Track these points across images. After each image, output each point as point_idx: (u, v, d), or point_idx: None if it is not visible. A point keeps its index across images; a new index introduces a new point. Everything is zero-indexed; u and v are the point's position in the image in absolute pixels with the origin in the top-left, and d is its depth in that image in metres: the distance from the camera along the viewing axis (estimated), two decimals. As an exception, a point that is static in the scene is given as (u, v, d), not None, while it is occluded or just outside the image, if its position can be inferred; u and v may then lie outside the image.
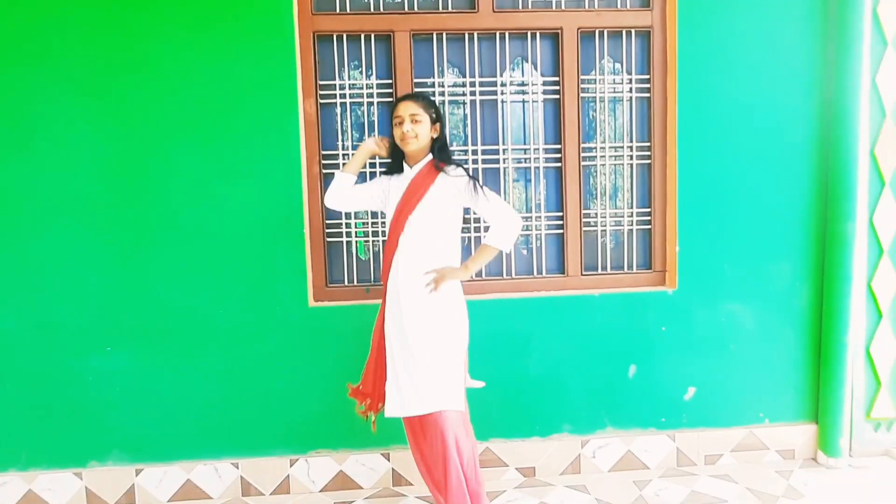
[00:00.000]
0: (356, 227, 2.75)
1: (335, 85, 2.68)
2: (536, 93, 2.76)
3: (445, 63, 2.72)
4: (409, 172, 2.22)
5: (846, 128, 2.62)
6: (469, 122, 2.75)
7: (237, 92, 2.50)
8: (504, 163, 2.77)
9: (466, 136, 2.76)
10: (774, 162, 2.71)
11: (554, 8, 2.71)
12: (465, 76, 2.73)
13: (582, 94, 2.75)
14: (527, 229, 2.81)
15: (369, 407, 2.35)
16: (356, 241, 2.76)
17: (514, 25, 2.69)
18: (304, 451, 2.67)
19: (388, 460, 2.69)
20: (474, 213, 2.65)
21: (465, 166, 2.36)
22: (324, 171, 2.68)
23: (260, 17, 2.49)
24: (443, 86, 2.72)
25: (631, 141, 2.82)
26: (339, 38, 2.67)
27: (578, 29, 2.70)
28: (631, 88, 2.79)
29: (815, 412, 2.84)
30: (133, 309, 2.54)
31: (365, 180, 2.57)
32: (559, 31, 2.70)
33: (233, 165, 2.52)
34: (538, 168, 2.79)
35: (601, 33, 2.75)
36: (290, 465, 2.65)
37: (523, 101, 2.78)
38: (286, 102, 2.53)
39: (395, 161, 2.31)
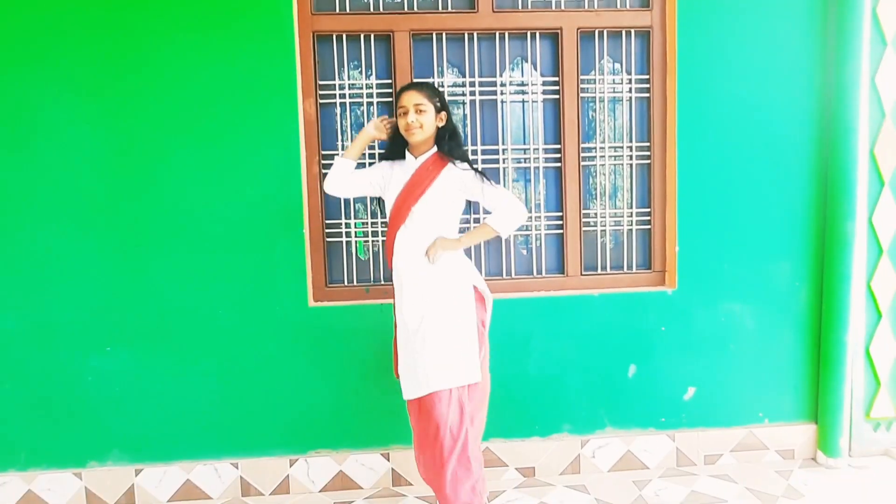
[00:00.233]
0: (356, 227, 2.75)
1: (335, 85, 2.68)
2: (536, 93, 2.76)
3: (445, 63, 2.72)
4: (414, 162, 2.21)
5: (846, 128, 2.62)
6: (469, 122, 2.75)
7: (237, 92, 2.50)
8: (504, 163, 2.77)
9: (466, 136, 2.75)
10: (774, 162, 2.72)
11: (553, 8, 2.72)
12: (464, 76, 2.73)
13: (581, 94, 2.76)
14: (526, 229, 2.81)
15: None
16: (356, 241, 2.76)
17: (513, 25, 2.69)
18: (304, 451, 2.67)
19: (388, 460, 2.69)
20: (482, 207, 2.62)
21: (473, 159, 2.35)
22: (323, 170, 2.68)
23: (259, 18, 2.49)
24: (442, 86, 2.71)
25: (631, 141, 2.82)
26: (339, 38, 2.67)
27: (578, 29, 2.70)
28: (630, 88, 2.80)
29: (815, 412, 2.84)
30: (133, 309, 2.54)
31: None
32: (559, 31, 2.70)
33: (232, 165, 2.52)
34: (538, 168, 2.79)
35: (601, 33, 2.75)
36: (290, 465, 2.65)
37: (523, 101, 2.78)
38: (286, 102, 2.53)
39: (397, 147, 2.28)
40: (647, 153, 2.82)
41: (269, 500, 2.62)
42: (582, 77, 2.75)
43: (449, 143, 2.20)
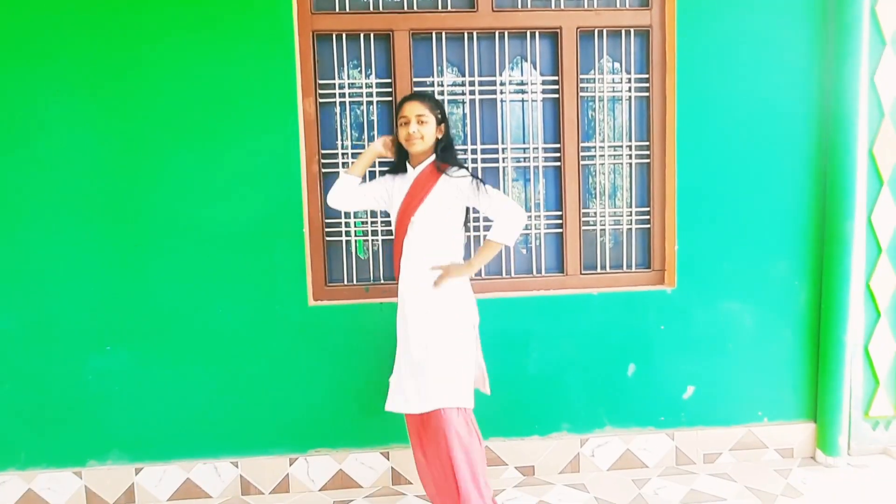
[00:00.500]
0: (355, 227, 2.75)
1: (334, 84, 2.68)
2: (536, 92, 2.77)
3: (445, 62, 2.72)
4: (412, 173, 2.22)
5: (845, 127, 2.62)
6: (468, 121, 2.75)
7: (236, 91, 2.50)
8: (503, 162, 2.78)
9: (466, 136, 2.76)
10: (773, 161, 2.72)
11: (553, 7, 2.72)
12: (464, 75, 2.73)
13: (581, 94, 2.76)
14: (526, 228, 2.81)
15: None
16: (355, 241, 2.77)
17: (513, 25, 2.69)
18: (304, 450, 2.67)
19: (388, 459, 2.69)
20: (481, 213, 2.64)
21: (466, 166, 2.36)
22: (323, 170, 2.68)
23: (259, 17, 2.49)
24: (442, 85, 2.72)
25: (630, 140, 2.82)
26: (339, 38, 2.67)
27: (577, 28, 2.70)
28: (630, 88, 2.80)
29: (814, 411, 2.85)
30: (133, 308, 2.54)
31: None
32: (558, 31, 2.70)
33: (232, 165, 2.53)
34: (537, 167, 2.80)
35: (600, 33, 2.75)
36: (290, 464, 2.66)
37: (522, 101, 2.78)
38: (285, 102, 2.53)
39: (399, 161, 2.30)
40: (647, 152, 2.82)
41: (269, 498, 2.63)
42: (581, 76, 2.75)
43: (443, 154, 2.21)
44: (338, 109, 2.70)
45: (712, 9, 2.64)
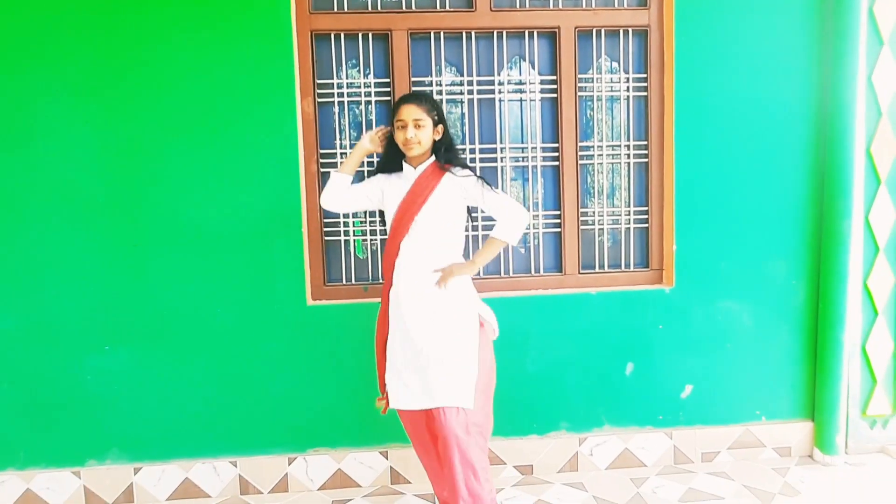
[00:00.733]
0: (354, 226, 2.75)
1: (333, 84, 2.68)
2: (534, 91, 2.77)
3: (443, 62, 2.72)
4: (412, 173, 2.21)
5: (842, 126, 2.63)
6: (467, 120, 2.76)
7: (235, 91, 2.50)
8: (502, 161, 2.78)
9: (464, 135, 2.76)
10: (771, 160, 2.72)
11: (551, 7, 2.72)
12: (462, 75, 2.73)
13: (579, 93, 2.76)
14: (525, 228, 2.80)
15: (387, 404, 2.31)
16: (354, 240, 2.77)
17: (511, 24, 2.69)
18: (303, 450, 2.67)
19: (387, 458, 2.69)
20: (481, 212, 2.63)
21: (470, 165, 2.36)
22: (322, 169, 2.69)
23: (258, 17, 2.49)
24: (440, 84, 2.72)
25: (628, 140, 2.82)
26: (337, 37, 2.67)
27: (576, 28, 2.71)
28: (628, 87, 2.80)
29: (812, 410, 2.85)
30: (131, 308, 2.54)
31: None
32: (556, 30, 2.70)
33: (231, 164, 2.53)
34: (536, 167, 2.80)
35: (598, 32, 2.75)
36: (289, 464, 2.66)
37: (521, 100, 2.78)
38: (284, 101, 2.53)
39: (392, 158, 2.28)
40: (645, 152, 2.82)
41: (268, 498, 2.63)
42: (580, 76, 2.76)
43: (446, 155, 2.20)
44: (336, 109, 2.70)
45: (710, 9, 2.64)
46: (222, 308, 2.57)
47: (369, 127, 2.71)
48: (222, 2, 2.47)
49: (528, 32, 2.73)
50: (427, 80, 2.71)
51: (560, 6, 2.72)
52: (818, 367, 2.80)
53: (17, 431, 2.56)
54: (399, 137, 2.17)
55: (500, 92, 2.76)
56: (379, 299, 2.54)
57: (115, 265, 2.52)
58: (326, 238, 2.73)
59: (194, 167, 2.51)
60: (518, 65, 2.77)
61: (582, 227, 2.83)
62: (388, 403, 2.26)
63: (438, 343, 2.12)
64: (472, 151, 2.75)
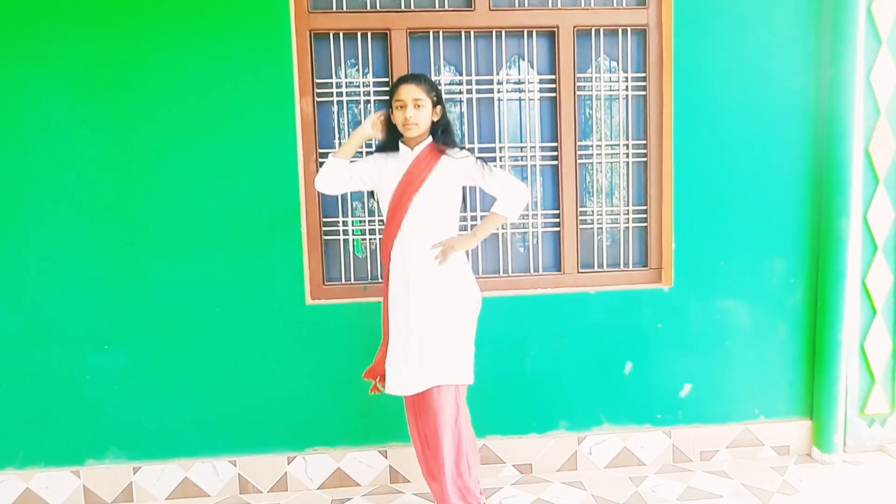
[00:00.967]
0: (353, 225, 2.75)
1: (332, 83, 2.68)
2: (533, 91, 2.77)
3: (442, 61, 2.73)
4: (410, 154, 2.20)
5: (840, 125, 2.63)
6: (466, 119, 2.76)
7: (234, 90, 2.50)
8: (501, 160, 2.78)
9: (463, 134, 2.76)
10: (769, 159, 2.73)
11: (550, 6, 2.72)
12: (461, 74, 2.74)
13: (578, 92, 2.76)
14: (523, 227, 2.82)
15: (377, 382, 2.35)
16: (353, 239, 2.77)
17: (510, 24, 2.69)
18: (302, 449, 2.67)
19: (386, 457, 2.70)
20: (485, 192, 2.62)
21: (467, 147, 2.37)
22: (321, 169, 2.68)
23: (256, 16, 2.48)
24: (439, 84, 2.72)
25: (627, 139, 2.83)
26: (336, 37, 2.67)
27: (574, 27, 2.71)
28: (627, 86, 2.80)
29: (810, 408, 2.86)
30: (130, 307, 2.54)
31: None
32: (555, 30, 2.71)
33: (230, 164, 2.53)
34: (535, 166, 2.80)
35: (597, 31, 2.75)
36: (288, 463, 2.66)
37: (520, 100, 2.78)
38: (283, 101, 2.53)
39: (391, 140, 2.27)
40: (644, 151, 2.82)
41: (268, 497, 2.63)
42: (578, 75, 2.76)
43: (443, 136, 2.21)
44: (335, 108, 2.71)
45: (709, 8, 2.64)
46: (221, 307, 2.57)
47: (368, 126, 2.71)
48: (221, 1, 2.47)
49: (527, 32, 2.73)
50: (425, 74, 2.70)
51: (559, 5, 2.72)
52: (816, 365, 2.80)
53: (16, 430, 2.56)
54: (398, 118, 2.16)
55: (499, 91, 2.76)
56: (377, 298, 2.56)
57: (113, 264, 2.52)
58: (325, 237, 2.73)
59: (193, 166, 2.51)
60: (517, 64, 2.78)
61: (581, 227, 2.83)
62: (381, 387, 2.32)
63: (438, 321, 2.14)
64: (472, 150, 2.75)
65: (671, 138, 2.71)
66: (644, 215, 2.85)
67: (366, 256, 2.78)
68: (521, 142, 2.80)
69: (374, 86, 2.70)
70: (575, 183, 2.78)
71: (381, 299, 2.60)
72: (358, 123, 2.71)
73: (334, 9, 2.65)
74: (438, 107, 2.21)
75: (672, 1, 2.64)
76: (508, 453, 2.74)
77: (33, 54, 2.42)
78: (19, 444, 2.57)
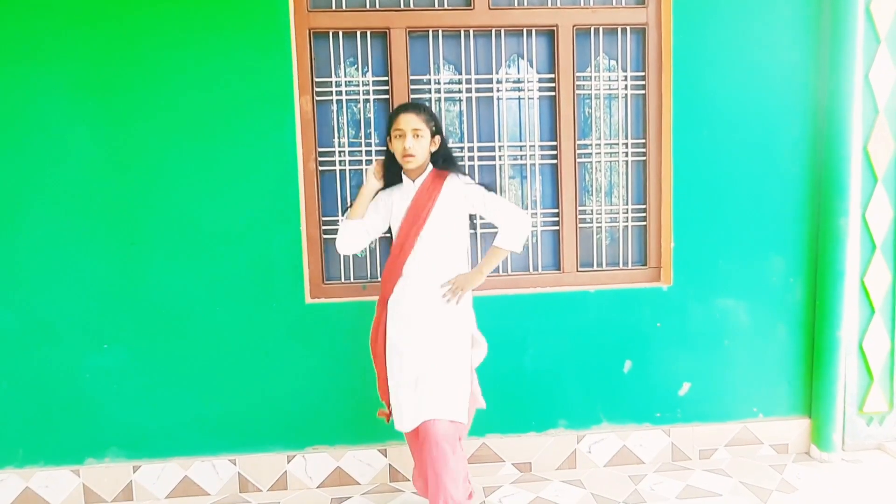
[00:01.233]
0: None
1: (331, 82, 2.68)
2: (532, 90, 2.77)
3: (441, 60, 2.73)
4: (412, 187, 2.19)
5: (839, 124, 2.63)
6: (465, 119, 2.76)
7: (233, 89, 2.50)
8: (500, 160, 2.78)
9: (462, 134, 2.76)
10: (768, 158, 2.73)
11: (549, 5, 2.72)
12: (461, 73, 2.74)
13: (577, 91, 2.76)
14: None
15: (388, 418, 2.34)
16: (353, 238, 2.77)
17: (509, 23, 2.69)
18: (302, 448, 2.68)
19: (385, 456, 2.70)
20: (480, 218, 2.63)
21: (469, 175, 2.36)
22: (320, 168, 2.69)
23: (256, 15, 2.48)
24: (439, 83, 2.72)
25: (626, 138, 2.83)
26: (335, 36, 2.67)
27: (574, 26, 2.71)
28: (626, 85, 2.80)
29: (809, 407, 2.86)
30: (130, 306, 2.54)
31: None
32: (555, 29, 2.71)
33: (229, 163, 2.53)
34: (534, 165, 2.80)
35: (596, 30, 2.76)
36: (288, 462, 2.66)
37: (519, 98, 2.78)
38: (282, 99, 2.53)
39: (393, 172, 2.25)
40: (643, 150, 2.83)
41: (267, 496, 2.63)
42: (578, 74, 2.76)
43: (445, 164, 2.20)
44: (335, 107, 2.71)
45: (708, 6, 2.64)
46: (221, 306, 2.57)
47: (367, 125, 2.71)
48: (221, 1, 2.46)
49: (527, 31, 2.73)
50: (425, 78, 2.71)
51: (558, 4, 2.72)
52: (815, 364, 2.81)
53: (15, 429, 2.56)
54: (397, 147, 2.15)
55: (498, 90, 2.76)
56: (376, 298, 2.55)
57: (112, 264, 2.52)
58: (325, 236, 2.73)
59: (192, 166, 2.51)
60: (516, 63, 2.78)
61: (580, 225, 2.83)
62: (388, 417, 2.30)
63: (435, 356, 2.13)
64: (471, 150, 2.76)
65: (670, 137, 2.71)
66: (643, 214, 2.86)
67: (365, 256, 2.78)
68: (521, 141, 2.80)
69: (373, 84, 2.70)
70: (574, 182, 2.78)
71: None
72: (357, 122, 2.71)
73: (334, 7, 2.64)
74: (437, 136, 2.19)
75: (671, 0, 2.64)
76: (508, 452, 2.74)
77: (32, 53, 2.42)
78: (19, 442, 2.57)
